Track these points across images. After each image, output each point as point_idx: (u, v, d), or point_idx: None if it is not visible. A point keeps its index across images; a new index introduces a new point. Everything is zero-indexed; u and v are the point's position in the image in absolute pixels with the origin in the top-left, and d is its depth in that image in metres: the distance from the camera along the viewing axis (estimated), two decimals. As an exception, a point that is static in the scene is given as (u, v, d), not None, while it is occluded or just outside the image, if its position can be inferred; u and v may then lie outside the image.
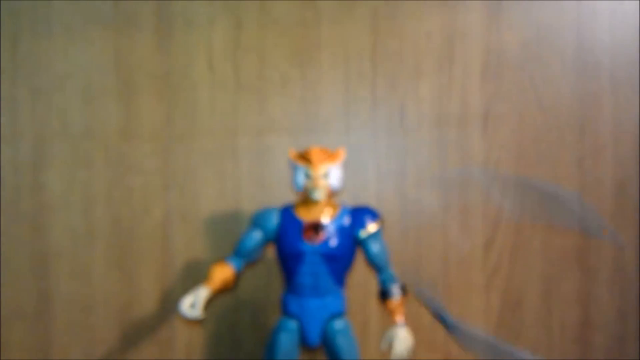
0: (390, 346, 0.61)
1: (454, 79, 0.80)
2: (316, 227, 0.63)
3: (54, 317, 0.79)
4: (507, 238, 0.81)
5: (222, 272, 0.64)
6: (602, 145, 0.81)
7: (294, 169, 0.64)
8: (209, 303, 0.63)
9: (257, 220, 0.65)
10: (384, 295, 0.64)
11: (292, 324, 0.64)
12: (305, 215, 0.64)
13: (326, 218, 0.63)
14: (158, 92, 0.79)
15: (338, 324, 0.64)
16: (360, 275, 0.77)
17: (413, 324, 0.64)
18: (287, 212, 0.65)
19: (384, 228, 0.65)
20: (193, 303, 0.61)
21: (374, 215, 0.65)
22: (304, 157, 0.63)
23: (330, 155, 0.63)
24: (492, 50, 0.80)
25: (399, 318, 0.62)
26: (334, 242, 0.63)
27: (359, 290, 0.78)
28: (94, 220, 0.80)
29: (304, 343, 0.65)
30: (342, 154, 0.64)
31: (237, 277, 0.65)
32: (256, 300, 0.80)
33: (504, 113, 0.81)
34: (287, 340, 0.64)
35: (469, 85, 0.81)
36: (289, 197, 0.71)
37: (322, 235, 0.63)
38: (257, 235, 0.65)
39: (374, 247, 0.64)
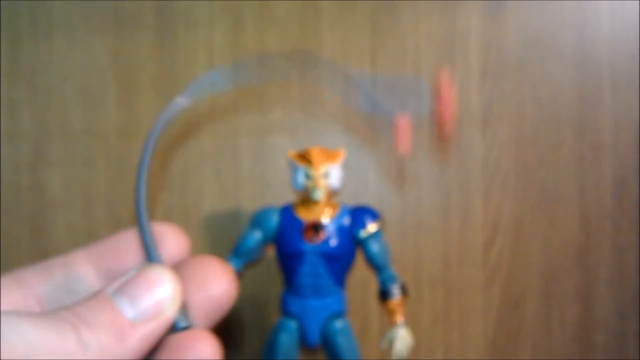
0: (390, 346, 0.61)
1: (454, 79, 0.80)
2: (316, 227, 0.63)
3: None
4: (507, 238, 0.81)
5: (222, 272, 0.63)
6: (602, 145, 0.81)
7: (293, 169, 0.64)
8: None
9: (256, 220, 0.65)
10: (384, 295, 0.64)
11: (292, 324, 0.64)
12: (305, 215, 0.64)
13: (326, 218, 0.63)
14: (158, 92, 0.79)
15: (338, 324, 0.64)
16: (360, 275, 0.77)
17: (413, 324, 0.64)
18: (287, 212, 0.65)
19: (384, 228, 0.65)
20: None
21: (374, 215, 0.65)
22: (304, 157, 0.63)
23: (330, 155, 0.63)
24: (492, 50, 0.80)
25: (399, 318, 0.62)
26: (334, 242, 0.63)
27: (359, 290, 0.78)
28: (94, 220, 0.80)
29: (304, 343, 0.64)
30: (342, 154, 0.64)
31: (237, 277, 0.65)
32: (256, 301, 0.80)
33: (504, 113, 0.81)
34: (286, 340, 0.64)
35: (469, 85, 0.80)
36: (289, 197, 0.71)
37: (323, 235, 0.63)
38: (256, 235, 0.65)
39: (374, 247, 0.64)
